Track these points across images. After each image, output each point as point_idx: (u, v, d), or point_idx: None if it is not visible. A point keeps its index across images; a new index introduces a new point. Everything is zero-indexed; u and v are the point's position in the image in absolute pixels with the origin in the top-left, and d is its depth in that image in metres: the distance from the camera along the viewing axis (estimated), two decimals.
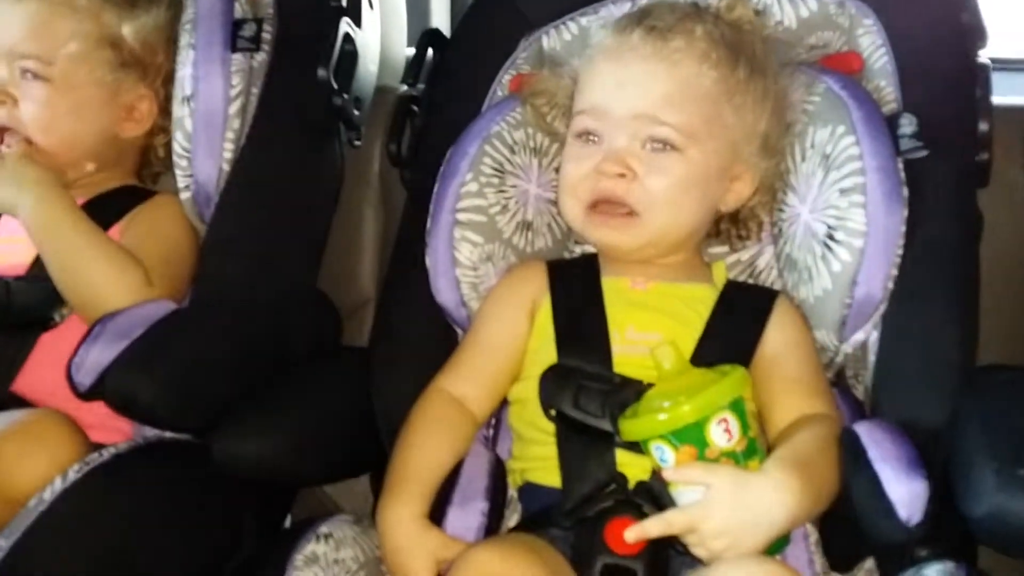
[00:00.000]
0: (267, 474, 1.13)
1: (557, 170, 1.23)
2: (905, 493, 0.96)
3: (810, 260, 1.14)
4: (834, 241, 1.12)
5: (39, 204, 1.28)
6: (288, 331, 1.29)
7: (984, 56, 1.21)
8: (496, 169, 1.23)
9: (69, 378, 1.14)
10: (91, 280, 1.25)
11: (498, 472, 1.13)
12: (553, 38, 1.33)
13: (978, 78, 1.19)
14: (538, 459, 1.10)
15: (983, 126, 1.16)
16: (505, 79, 1.32)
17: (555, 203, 1.24)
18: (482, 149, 1.23)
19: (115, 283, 1.24)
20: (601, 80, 1.15)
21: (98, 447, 1.18)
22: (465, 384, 1.15)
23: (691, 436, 0.98)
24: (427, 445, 1.11)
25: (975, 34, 1.20)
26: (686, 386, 1.00)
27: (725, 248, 1.25)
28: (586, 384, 1.08)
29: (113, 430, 1.25)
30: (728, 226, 1.22)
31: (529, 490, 1.12)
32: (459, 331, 1.24)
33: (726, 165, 1.14)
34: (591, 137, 1.15)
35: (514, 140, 1.25)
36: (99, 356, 1.13)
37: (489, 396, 1.16)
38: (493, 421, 1.21)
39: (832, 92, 1.17)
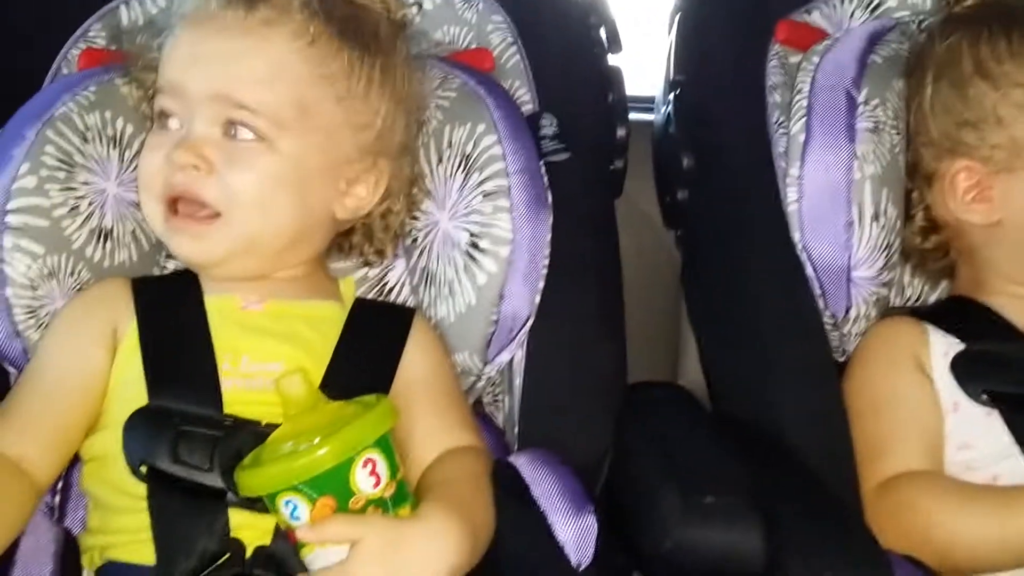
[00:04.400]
0: None
1: None
2: (574, 533, 0.88)
3: (451, 273, 1.03)
4: (478, 250, 1.02)
5: None
6: None
7: (616, 61, 1.16)
8: (62, 160, 0.98)
9: None
10: None
11: (68, 552, 0.91)
12: (135, 9, 1.11)
13: (612, 83, 1.14)
14: (125, 531, 0.89)
15: (620, 132, 1.12)
16: (73, 53, 1.08)
17: (139, 206, 1.00)
18: (43, 135, 0.97)
19: None
20: (178, 53, 0.95)
21: None
22: (21, 440, 0.90)
23: (332, 484, 0.80)
24: None
25: (607, 38, 1.15)
26: (322, 423, 0.83)
27: (351, 263, 1.09)
28: (188, 430, 0.89)
29: None
30: (361, 239, 1.05)
31: (112, 572, 0.89)
32: (12, 371, 0.98)
33: (332, 163, 0.97)
34: (169, 121, 0.95)
35: (86, 125, 1.00)
36: None
37: (54, 454, 0.92)
38: (60, 486, 0.98)
39: (469, 88, 1.07)
